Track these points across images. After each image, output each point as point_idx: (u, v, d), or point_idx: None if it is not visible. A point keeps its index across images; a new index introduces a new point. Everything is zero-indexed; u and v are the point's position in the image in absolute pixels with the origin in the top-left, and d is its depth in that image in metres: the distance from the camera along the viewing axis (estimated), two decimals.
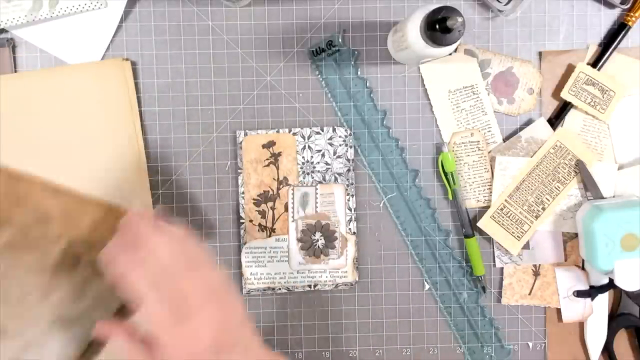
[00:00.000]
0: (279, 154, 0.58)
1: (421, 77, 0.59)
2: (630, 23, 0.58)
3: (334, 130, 0.58)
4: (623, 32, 0.58)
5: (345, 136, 0.58)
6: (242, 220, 0.58)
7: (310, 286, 0.58)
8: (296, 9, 0.58)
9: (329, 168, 0.58)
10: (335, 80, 0.58)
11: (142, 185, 0.57)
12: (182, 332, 0.38)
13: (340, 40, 0.58)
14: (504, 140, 0.59)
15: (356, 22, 0.58)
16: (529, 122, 0.59)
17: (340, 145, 0.58)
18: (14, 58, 0.57)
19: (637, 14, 0.58)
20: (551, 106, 0.60)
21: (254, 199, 0.58)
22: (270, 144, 0.58)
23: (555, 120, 0.59)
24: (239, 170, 0.58)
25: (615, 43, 0.58)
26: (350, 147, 0.58)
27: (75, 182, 0.56)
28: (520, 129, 0.59)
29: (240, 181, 0.58)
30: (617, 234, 0.54)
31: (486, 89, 0.59)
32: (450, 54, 0.58)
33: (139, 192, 0.57)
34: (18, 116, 0.56)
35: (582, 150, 0.58)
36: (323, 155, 0.58)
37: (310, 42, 0.58)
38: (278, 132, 0.58)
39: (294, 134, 0.58)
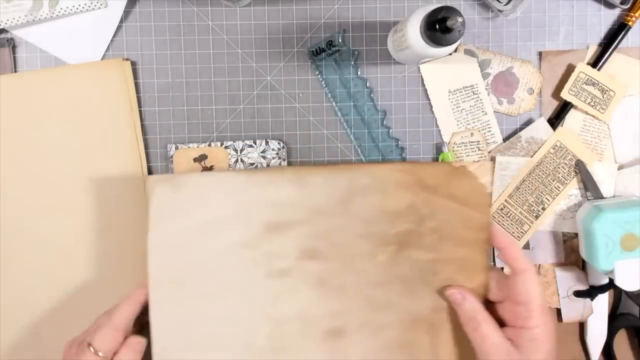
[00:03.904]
0: (211, 168, 0.57)
1: (421, 77, 0.59)
2: (630, 23, 0.58)
3: (267, 143, 0.57)
4: (623, 32, 0.58)
5: (279, 149, 0.57)
6: None
7: None
8: (296, 9, 0.58)
9: None
10: (335, 80, 0.58)
11: (142, 185, 0.57)
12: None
13: (340, 40, 0.58)
14: (504, 140, 0.59)
15: (356, 22, 0.58)
16: (529, 122, 0.59)
17: (273, 158, 0.57)
18: (14, 58, 0.57)
19: (637, 14, 0.58)
20: (551, 106, 0.60)
21: None
22: (201, 158, 0.57)
23: (555, 120, 0.59)
24: None
25: (615, 43, 0.58)
26: (284, 160, 0.58)
27: (74, 182, 0.57)
28: (520, 129, 0.59)
29: None
30: (617, 234, 0.54)
31: (486, 89, 0.59)
32: (450, 54, 0.58)
33: (139, 193, 0.57)
34: (18, 116, 0.56)
35: (582, 150, 0.58)
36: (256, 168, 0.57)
37: (310, 42, 0.58)
38: (209, 145, 0.57)
39: (226, 147, 0.57)
